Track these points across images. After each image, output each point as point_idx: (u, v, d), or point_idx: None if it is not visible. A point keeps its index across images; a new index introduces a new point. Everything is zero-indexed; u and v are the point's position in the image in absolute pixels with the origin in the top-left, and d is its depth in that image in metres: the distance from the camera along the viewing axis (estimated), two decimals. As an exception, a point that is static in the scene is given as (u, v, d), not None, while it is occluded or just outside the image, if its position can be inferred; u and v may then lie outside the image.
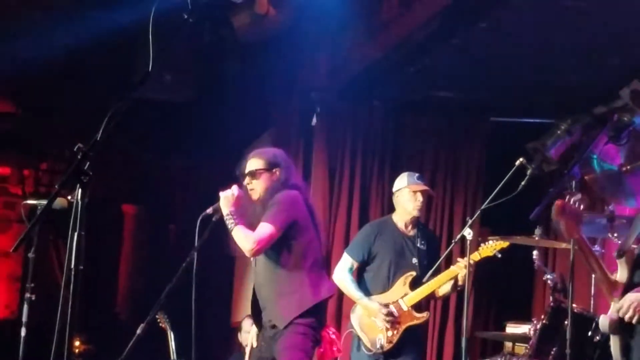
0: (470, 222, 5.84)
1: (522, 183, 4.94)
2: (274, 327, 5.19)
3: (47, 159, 11.18)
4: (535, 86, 7.43)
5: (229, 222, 5.11)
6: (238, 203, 5.17)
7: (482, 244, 6.15)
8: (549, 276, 5.84)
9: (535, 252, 6.02)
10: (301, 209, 5.22)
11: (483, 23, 6.42)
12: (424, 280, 6.19)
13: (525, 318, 6.72)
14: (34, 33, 8.06)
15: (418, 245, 6.33)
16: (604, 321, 3.77)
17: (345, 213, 8.20)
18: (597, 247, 5.63)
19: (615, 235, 5.43)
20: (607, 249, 5.88)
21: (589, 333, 4.98)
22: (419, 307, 6.24)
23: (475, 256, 6.09)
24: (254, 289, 5.36)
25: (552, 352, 5.38)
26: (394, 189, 6.52)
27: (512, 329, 6.70)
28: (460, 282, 6.15)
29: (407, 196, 6.35)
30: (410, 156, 8.42)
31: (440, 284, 6.21)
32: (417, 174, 6.49)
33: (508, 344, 6.80)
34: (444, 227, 8.24)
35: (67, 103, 9.57)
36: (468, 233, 5.87)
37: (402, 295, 6.21)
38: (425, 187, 6.40)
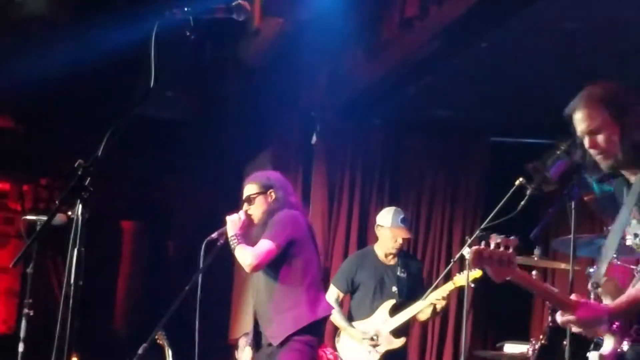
0: (469, 241, 5.83)
1: (522, 203, 4.93)
2: (270, 345, 5.19)
3: (47, 175, 11.19)
4: (536, 106, 7.44)
5: (233, 242, 5.19)
6: (244, 227, 5.23)
7: (457, 273, 6.35)
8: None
9: (534, 272, 6.01)
10: (301, 228, 5.26)
11: (484, 43, 6.44)
12: (424, 297, 6.38)
13: (523, 338, 6.70)
14: (35, 49, 8.09)
15: (398, 273, 6.65)
16: (595, 358, 3.46)
17: (344, 233, 8.19)
18: (595, 269, 5.62)
19: (615, 256, 5.42)
20: (607, 270, 5.86)
21: (588, 353, 4.95)
22: (397, 332, 6.52)
23: (450, 285, 6.35)
24: (254, 308, 5.38)
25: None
26: (378, 221, 6.77)
27: (510, 348, 6.68)
28: (438, 310, 6.51)
29: (388, 235, 6.66)
30: (410, 175, 8.42)
31: (417, 312, 6.49)
32: (402, 215, 6.72)
33: (506, 364, 6.78)
34: (443, 246, 8.23)
35: (67, 119, 9.59)
36: (467, 252, 5.86)
37: (383, 321, 6.52)
38: (407, 235, 6.71)
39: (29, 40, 8.30)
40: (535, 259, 5.88)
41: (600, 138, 3.38)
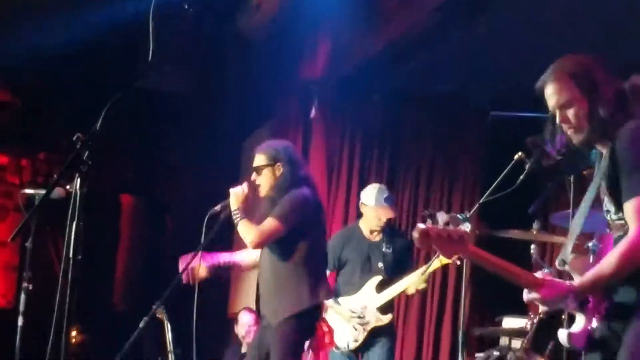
0: (468, 216, 5.83)
1: (521, 177, 4.93)
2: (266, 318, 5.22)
3: (45, 149, 11.16)
4: (535, 80, 7.41)
5: (236, 217, 5.12)
6: (247, 200, 5.16)
7: None
8: (546, 270, 5.81)
9: (533, 246, 6.02)
10: (311, 210, 5.19)
11: (484, 17, 6.41)
12: (423, 272, 6.40)
13: (522, 312, 6.72)
14: (32, 24, 8.05)
15: (383, 249, 6.64)
16: (563, 336, 3.44)
17: (342, 208, 8.19)
18: (594, 242, 5.61)
19: (613, 230, 5.42)
20: (605, 244, 5.85)
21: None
22: (384, 309, 6.53)
23: (436, 263, 6.33)
24: (257, 281, 5.38)
25: (549, 346, 5.39)
26: (362, 199, 6.75)
27: (509, 322, 6.70)
28: (424, 285, 6.53)
29: (371, 214, 6.65)
30: (409, 150, 8.41)
31: (404, 289, 6.50)
32: (386, 194, 6.67)
33: (504, 338, 6.80)
34: (442, 220, 8.22)
35: (66, 93, 9.56)
36: (466, 227, 5.86)
37: (369, 298, 6.51)
38: (391, 214, 6.66)
39: (27, 14, 8.26)
40: (534, 233, 5.88)
41: (570, 112, 3.37)
